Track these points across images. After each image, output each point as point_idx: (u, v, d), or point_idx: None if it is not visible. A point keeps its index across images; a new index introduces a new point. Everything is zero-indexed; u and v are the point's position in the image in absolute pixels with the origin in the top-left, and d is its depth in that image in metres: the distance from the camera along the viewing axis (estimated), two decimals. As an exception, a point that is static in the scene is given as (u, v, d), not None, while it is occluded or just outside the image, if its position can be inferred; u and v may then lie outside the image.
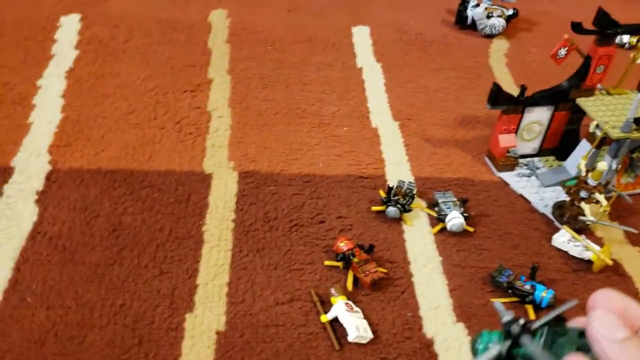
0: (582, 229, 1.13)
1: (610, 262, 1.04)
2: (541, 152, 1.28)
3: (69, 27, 1.54)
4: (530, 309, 0.99)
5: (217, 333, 0.92)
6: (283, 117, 1.34)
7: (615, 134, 1.12)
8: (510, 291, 0.99)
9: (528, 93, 1.19)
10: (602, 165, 1.07)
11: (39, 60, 1.42)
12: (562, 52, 1.15)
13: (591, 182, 1.09)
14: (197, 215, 1.09)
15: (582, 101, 1.19)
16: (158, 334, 0.91)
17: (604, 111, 1.17)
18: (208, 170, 1.18)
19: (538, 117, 1.22)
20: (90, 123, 1.27)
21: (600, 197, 1.08)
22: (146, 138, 1.24)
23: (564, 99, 1.21)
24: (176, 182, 1.15)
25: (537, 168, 1.25)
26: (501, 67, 1.57)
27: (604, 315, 0.29)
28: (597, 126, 1.15)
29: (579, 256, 1.07)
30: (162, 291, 0.97)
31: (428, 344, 0.93)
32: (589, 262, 1.07)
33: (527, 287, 0.98)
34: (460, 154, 1.28)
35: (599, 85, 1.26)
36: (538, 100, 1.19)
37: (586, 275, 1.06)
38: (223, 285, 0.98)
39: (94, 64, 1.43)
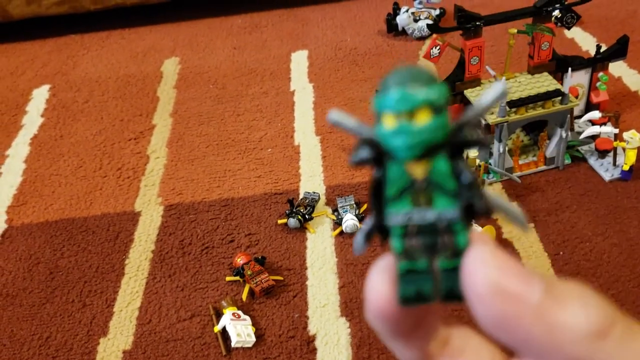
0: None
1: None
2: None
3: (39, 97, 1.75)
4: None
5: (124, 352, 1.05)
6: (213, 148, 1.46)
7: (492, 119, 1.18)
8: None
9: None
10: (473, 152, 1.13)
11: (10, 132, 1.63)
12: (435, 51, 1.22)
13: (468, 169, 1.14)
14: (122, 251, 1.23)
15: (468, 92, 1.25)
16: (74, 358, 1.05)
17: (487, 98, 1.22)
18: (138, 209, 1.32)
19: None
20: (45, 181, 1.44)
21: (476, 182, 1.13)
22: (90, 187, 1.40)
23: (451, 92, 1.27)
24: (109, 223, 1.30)
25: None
26: (428, 64, 1.63)
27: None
28: (480, 114, 1.20)
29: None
30: (82, 321, 1.11)
31: (309, 341, 1.03)
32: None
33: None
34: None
35: (491, 72, 1.31)
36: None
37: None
38: (135, 309, 1.11)
39: (55, 127, 1.61)
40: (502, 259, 0.23)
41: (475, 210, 0.24)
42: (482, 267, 0.23)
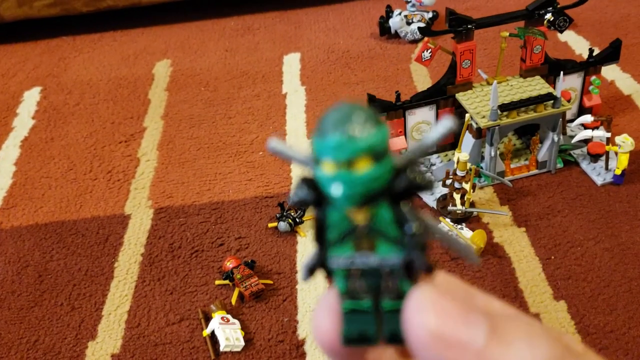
0: (467, 218, 1.18)
1: (482, 246, 1.09)
2: (439, 149, 1.34)
3: (30, 100, 1.74)
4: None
5: (112, 356, 1.04)
6: (204, 151, 1.46)
7: (483, 123, 1.17)
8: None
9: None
10: (464, 156, 1.13)
11: (0, 134, 1.62)
12: (426, 54, 1.22)
13: (459, 172, 1.14)
14: (112, 254, 1.22)
15: (459, 95, 1.25)
16: (62, 363, 1.04)
17: (479, 102, 1.22)
18: (128, 212, 1.31)
19: (423, 117, 1.28)
20: (35, 184, 1.43)
21: (466, 186, 1.13)
22: (80, 190, 1.39)
23: (442, 96, 1.26)
24: (99, 226, 1.29)
25: (433, 165, 1.31)
26: (421, 69, 1.63)
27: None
28: (472, 118, 1.20)
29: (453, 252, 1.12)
30: (71, 325, 1.10)
31: (299, 345, 1.02)
32: (467, 248, 1.12)
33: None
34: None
35: (484, 76, 1.31)
36: (414, 102, 1.25)
37: (464, 262, 1.11)
38: (124, 313, 1.10)
39: (45, 130, 1.60)
40: (442, 303, 0.22)
41: (415, 267, 0.23)
42: (420, 313, 0.22)
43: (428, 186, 0.24)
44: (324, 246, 0.24)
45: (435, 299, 0.22)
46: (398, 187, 0.23)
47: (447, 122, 0.23)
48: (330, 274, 0.25)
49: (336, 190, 0.22)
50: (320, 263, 0.25)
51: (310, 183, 0.24)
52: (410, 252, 0.23)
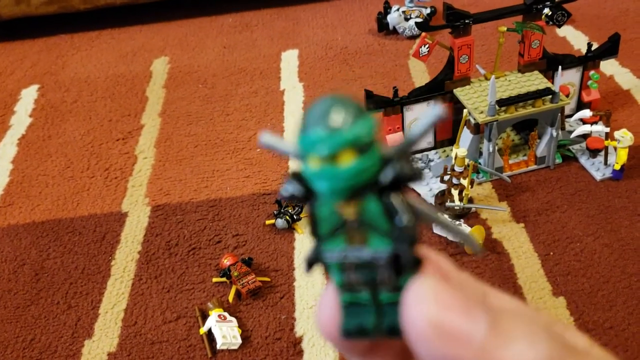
0: (465, 214, 1.17)
1: (480, 242, 1.08)
2: (438, 145, 1.33)
3: (28, 97, 1.73)
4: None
5: (109, 354, 1.03)
6: (202, 149, 1.45)
7: (481, 118, 1.17)
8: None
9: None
10: (462, 151, 1.12)
11: (-3, 133, 1.61)
12: (424, 49, 1.21)
13: (457, 168, 1.13)
14: (108, 252, 1.22)
15: (457, 91, 1.24)
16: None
17: (477, 97, 1.21)
18: (125, 210, 1.31)
19: (421, 113, 1.27)
20: (32, 182, 1.43)
21: (465, 182, 1.12)
22: (77, 188, 1.38)
23: (440, 91, 1.26)
24: (95, 224, 1.28)
25: (431, 161, 1.30)
26: (419, 65, 1.62)
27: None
28: (470, 113, 1.19)
29: (455, 240, 1.12)
30: (67, 323, 1.09)
31: (296, 342, 1.01)
32: (465, 245, 1.11)
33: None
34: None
35: (482, 71, 1.30)
36: (411, 98, 1.24)
37: (462, 258, 1.10)
38: (120, 311, 1.10)
39: (43, 128, 1.60)
40: (444, 293, 0.21)
41: (402, 262, 0.23)
42: (420, 304, 0.21)
43: (417, 176, 0.23)
44: (317, 240, 0.24)
45: (436, 289, 0.22)
46: (385, 179, 0.22)
47: (435, 110, 0.22)
48: (327, 269, 0.24)
49: (321, 184, 0.22)
50: (316, 257, 0.24)
51: (299, 178, 0.23)
52: (397, 246, 0.23)
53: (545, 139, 1.22)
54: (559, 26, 1.23)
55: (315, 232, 0.24)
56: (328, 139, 0.21)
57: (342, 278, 0.24)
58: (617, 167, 1.20)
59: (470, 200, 1.17)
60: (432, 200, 1.21)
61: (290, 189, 0.23)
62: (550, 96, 1.18)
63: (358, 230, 0.23)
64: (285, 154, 0.24)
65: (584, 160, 1.26)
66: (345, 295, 0.24)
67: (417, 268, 0.23)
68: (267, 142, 0.25)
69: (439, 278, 0.22)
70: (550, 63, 1.27)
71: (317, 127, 0.21)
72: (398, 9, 1.72)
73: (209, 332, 1.02)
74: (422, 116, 0.23)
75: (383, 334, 0.23)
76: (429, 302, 0.21)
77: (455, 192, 1.13)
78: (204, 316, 1.06)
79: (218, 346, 1.00)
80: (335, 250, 0.23)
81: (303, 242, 1.18)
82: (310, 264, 0.25)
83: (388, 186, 0.22)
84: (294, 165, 1.36)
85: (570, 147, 1.28)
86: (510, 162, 1.25)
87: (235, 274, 1.09)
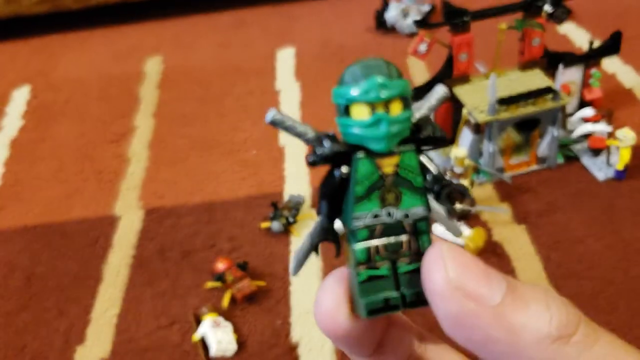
0: (465, 216, 1.15)
1: (481, 245, 1.06)
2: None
3: (19, 98, 1.70)
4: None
5: (101, 361, 1.01)
6: (196, 150, 1.43)
7: (482, 117, 1.14)
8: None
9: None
10: (461, 152, 1.10)
11: (-11, 135, 1.59)
12: (422, 47, 1.18)
13: (457, 169, 1.11)
14: (101, 256, 1.19)
15: (456, 89, 1.22)
16: (50, 369, 1.01)
17: (477, 96, 1.19)
18: (118, 213, 1.28)
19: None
20: (25, 185, 1.40)
21: (465, 183, 1.10)
22: (70, 191, 1.36)
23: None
24: (88, 228, 1.26)
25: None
26: (419, 63, 1.59)
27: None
28: (470, 112, 1.17)
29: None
30: (59, 329, 1.07)
31: (292, 348, 0.99)
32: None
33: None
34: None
35: (482, 69, 1.28)
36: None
37: (462, 261, 1.08)
38: (113, 317, 1.08)
39: (35, 130, 1.57)
40: (461, 257, 0.22)
41: (443, 197, 0.24)
42: (440, 263, 0.22)
43: (444, 139, 0.25)
44: (341, 207, 0.24)
45: (455, 252, 0.22)
46: (423, 134, 0.24)
47: (439, 90, 0.24)
48: (337, 242, 0.25)
49: (374, 131, 0.22)
50: (327, 232, 0.25)
51: (331, 138, 0.24)
52: (446, 182, 0.24)
53: (547, 138, 1.20)
54: (560, 23, 1.20)
55: (335, 201, 0.24)
56: (385, 86, 0.22)
57: (366, 248, 0.24)
58: (620, 167, 1.17)
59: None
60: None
61: (325, 149, 0.24)
62: (551, 95, 1.15)
63: (393, 188, 0.24)
64: (294, 131, 0.25)
65: (586, 160, 1.24)
66: (362, 274, 0.24)
67: (465, 197, 0.26)
68: (274, 119, 0.25)
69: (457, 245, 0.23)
70: (551, 61, 1.25)
71: (371, 76, 0.22)
72: (397, 7, 1.69)
73: (203, 338, 1.00)
74: (426, 98, 0.25)
75: (407, 306, 0.24)
76: (450, 263, 0.22)
77: (454, 194, 1.11)
78: (199, 321, 1.03)
79: (212, 352, 0.97)
80: (369, 212, 0.24)
81: (299, 245, 1.15)
82: (315, 245, 0.26)
83: (423, 141, 0.24)
84: (291, 168, 1.34)
85: (572, 147, 1.25)
86: (511, 162, 1.23)
87: (230, 278, 1.07)
